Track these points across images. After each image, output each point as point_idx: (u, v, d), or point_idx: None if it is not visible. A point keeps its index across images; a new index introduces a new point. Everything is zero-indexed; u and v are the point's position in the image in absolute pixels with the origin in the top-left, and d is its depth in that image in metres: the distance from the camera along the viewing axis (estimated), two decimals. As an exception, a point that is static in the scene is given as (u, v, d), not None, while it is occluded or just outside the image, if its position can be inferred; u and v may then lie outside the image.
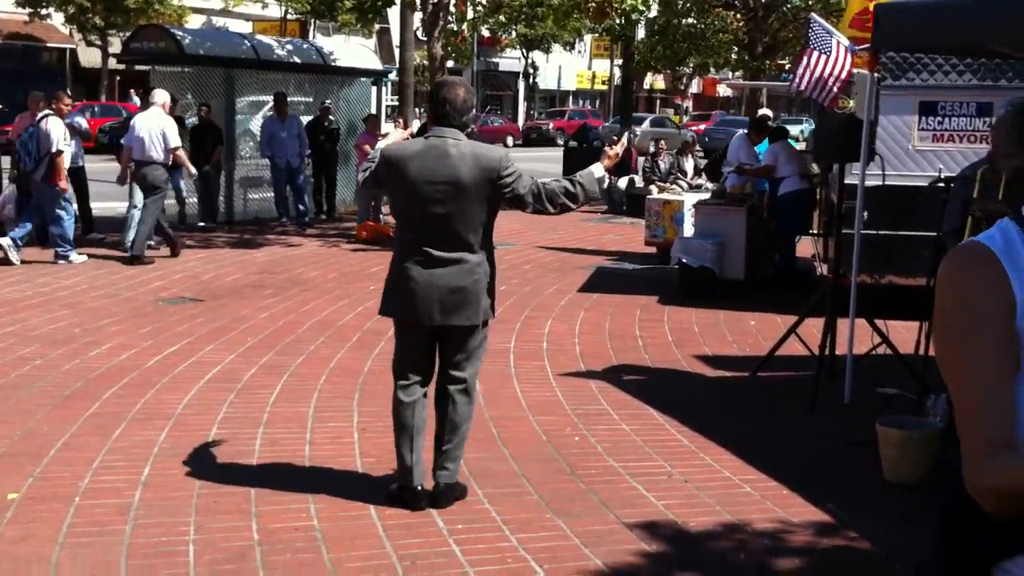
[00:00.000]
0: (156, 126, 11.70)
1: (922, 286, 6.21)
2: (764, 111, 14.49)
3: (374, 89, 18.46)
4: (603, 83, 57.74)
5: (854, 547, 4.49)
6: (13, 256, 11.18)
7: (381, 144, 4.84)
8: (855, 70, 6.82)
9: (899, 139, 8.91)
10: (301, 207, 15.68)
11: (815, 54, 6.61)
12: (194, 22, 36.36)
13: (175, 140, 11.80)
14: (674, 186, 15.70)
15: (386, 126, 18.48)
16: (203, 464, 5.30)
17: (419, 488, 4.74)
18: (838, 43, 6.45)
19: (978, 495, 1.68)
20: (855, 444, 5.72)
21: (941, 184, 6.06)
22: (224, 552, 4.26)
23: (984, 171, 6.01)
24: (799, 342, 7.25)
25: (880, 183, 7.43)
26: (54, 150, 11.22)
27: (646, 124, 39.29)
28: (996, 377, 1.68)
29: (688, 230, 11.36)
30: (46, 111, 11.51)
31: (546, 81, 56.36)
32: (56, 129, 11.30)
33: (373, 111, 17.39)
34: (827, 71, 6.52)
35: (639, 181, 17.50)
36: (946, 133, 8.88)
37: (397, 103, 21.76)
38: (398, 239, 4.77)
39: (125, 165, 12.07)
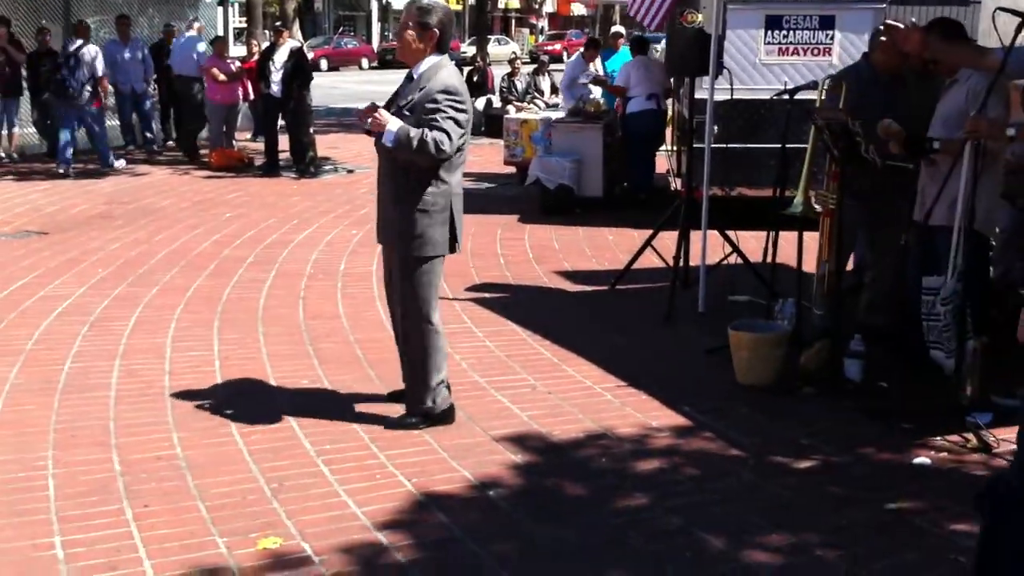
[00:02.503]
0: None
1: (768, 197, 6.41)
2: (617, 28, 14.53)
3: (220, 10, 17.80)
4: (458, 3, 57.02)
5: (710, 447, 4.68)
6: None
7: (393, 122, 4.54)
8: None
9: (746, 53, 9.11)
10: (148, 134, 15.11)
11: None
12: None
13: None
14: (531, 105, 15.72)
15: (234, 48, 17.94)
16: (58, 399, 5.16)
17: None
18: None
19: None
20: (710, 350, 5.93)
21: (785, 97, 6.22)
22: (86, 484, 4.18)
23: (826, 82, 6.22)
24: (655, 255, 7.43)
25: (729, 97, 7.61)
26: None
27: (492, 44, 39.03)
28: None
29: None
30: None
31: (400, 0, 55.38)
32: None
33: (220, 33, 16.81)
34: None
35: (496, 101, 17.46)
36: (791, 46, 9.12)
37: (245, 25, 21.06)
38: (445, 177, 4.66)
39: None
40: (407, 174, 4.63)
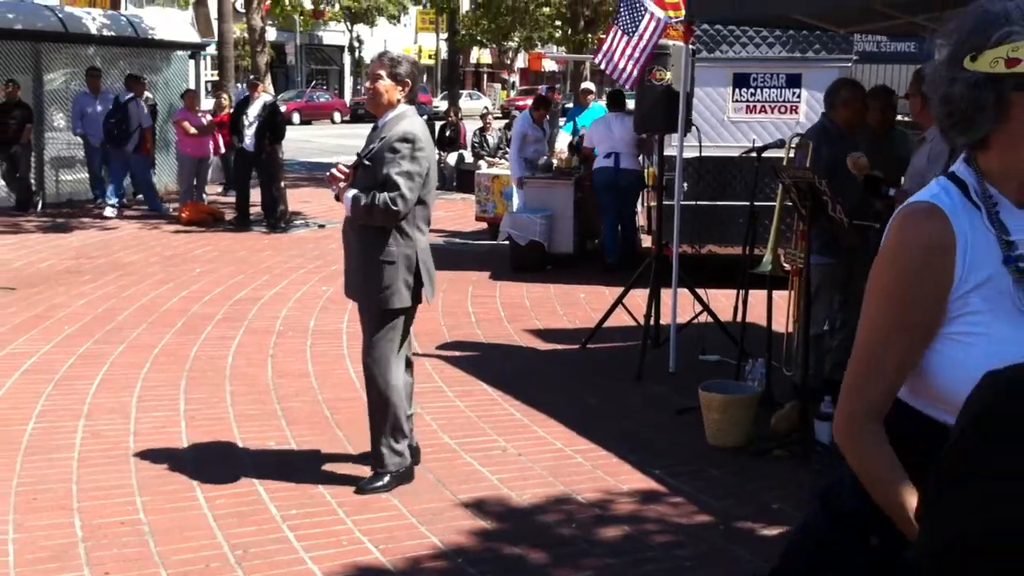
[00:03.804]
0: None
1: (738, 254, 6.45)
2: (586, 84, 14.68)
3: (192, 63, 17.83)
4: (430, 57, 57.50)
5: (680, 511, 4.64)
6: None
7: (348, 190, 4.68)
8: (671, 42, 6.98)
9: (714, 110, 9.21)
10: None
11: (618, 32, 6.76)
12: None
13: None
14: (502, 160, 15.79)
15: (205, 102, 17.94)
16: (20, 460, 5.06)
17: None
18: (651, 18, 6.58)
19: (839, 442, 1.81)
20: (680, 411, 5.92)
21: (753, 154, 6.28)
22: (46, 550, 4.09)
23: (793, 140, 6.29)
24: (626, 313, 7.43)
25: (698, 154, 7.67)
26: None
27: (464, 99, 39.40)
28: (898, 353, 1.77)
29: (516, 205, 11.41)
30: None
31: (370, 56, 55.72)
32: None
33: (192, 86, 16.84)
34: (626, 51, 6.68)
35: (468, 156, 17.54)
36: (758, 104, 9.23)
37: (216, 78, 21.11)
38: (408, 230, 4.69)
39: None
40: (368, 228, 4.68)
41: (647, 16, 6.76)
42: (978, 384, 1.55)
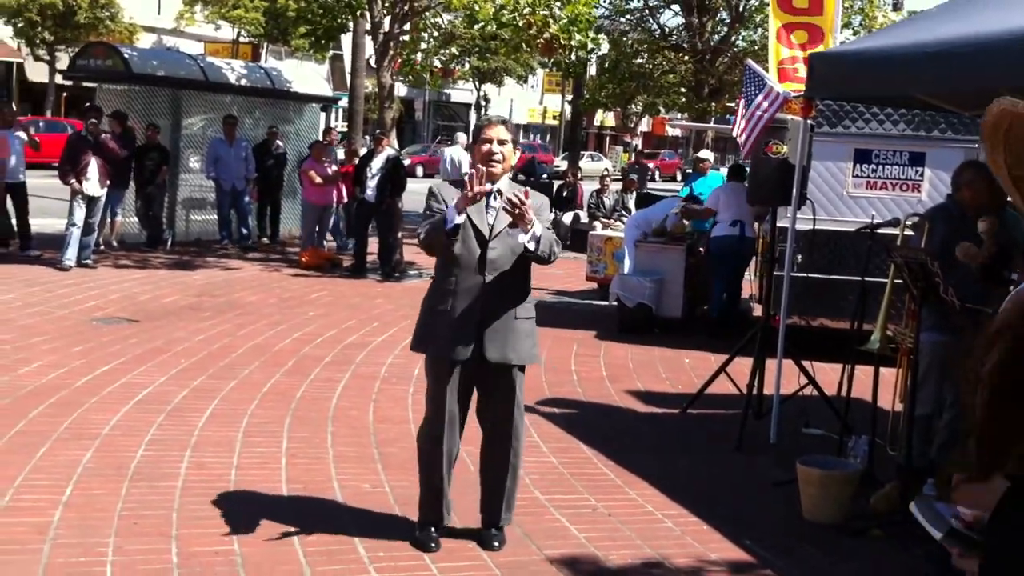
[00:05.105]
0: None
1: (846, 329, 6.35)
2: (704, 152, 14.68)
3: (323, 115, 18.43)
4: (554, 118, 58.17)
5: (769, 584, 4.57)
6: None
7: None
8: (790, 116, 6.98)
9: (833, 184, 9.11)
10: (244, 230, 15.61)
11: (743, 102, 6.80)
12: (145, 41, 36.13)
13: None
14: (618, 222, 15.84)
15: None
16: (126, 486, 5.26)
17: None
18: (770, 90, 6.61)
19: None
20: (778, 483, 5.82)
21: (867, 231, 6.21)
22: (142, 575, 4.24)
23: (908, 219, 6.20)
24: (730, 381, 7.36)
25: (812, 227, 7.60)
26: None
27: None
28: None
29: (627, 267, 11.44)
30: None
31: (497, 114, 56.60)
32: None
33: (321, 138, 17.40)
34: (751, 119, 6.70)
35: (584, 216, 17.66)
36: (879, 180, 9.11)
37: (346, 129, 21.74)
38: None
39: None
40: (516, 284, 4.71)
41: (766, 88, 6.78)
42: None
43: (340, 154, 16.11)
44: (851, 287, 8.23)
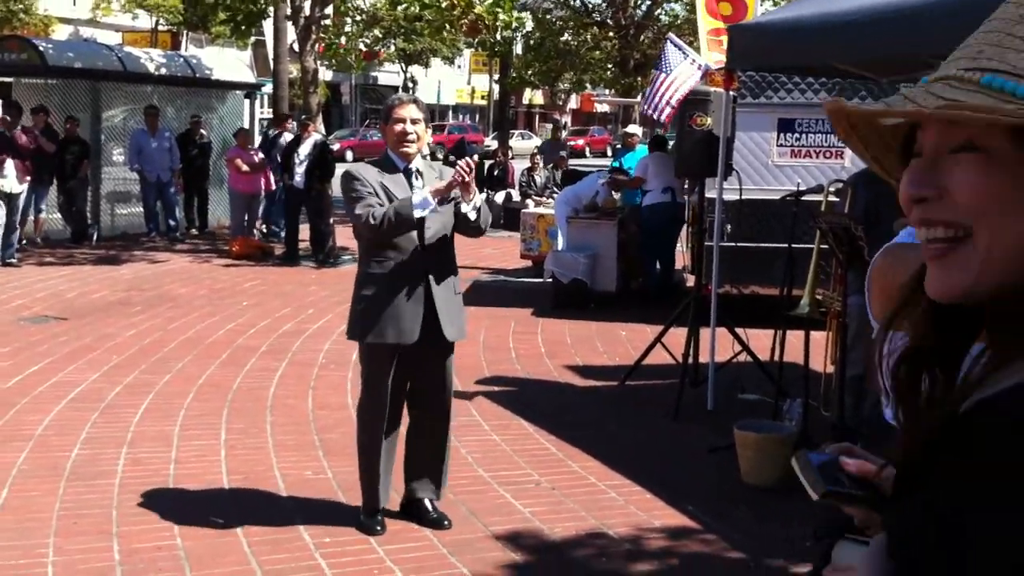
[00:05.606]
0: None
1: (777, 295, 6.46)
2: (632, 127, 14.79)
3: (247, 102, 18.20)
4: (482, 98, 58.01)
5: (711, 549, 4.65)
6: None
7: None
8: (713, 89, 7.06)
9: (759, 154, 9.24)
10: (171, 222, 15.38)
11: (660, 76, 6.88)
12: (61, 32, 35.27)
13: None
14: (550, 200, 15.89)
15: (259, 139, 18.22)
16: (63, 485, 5.18)
17: None
18: (691, 63, 6.68)
19: None
20: (715, 449, 5.92)
21: (792, 199, 6.32)
22: (84, 573, 4.19)
23: (831, 186, 6.31)
24: (666, 351, 7.45)
25: (739, 197, 7.70)
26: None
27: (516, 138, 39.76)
28: None
29: (561, 243, 11.52)
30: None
31: (425, 95, 56.19)
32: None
33: (246, 125, 17.19)
34: (664, 91, 6.79)
35: (516, 195, 17.69)
36: (803, 149, 9.25)
37: (271, 116, 21.49)
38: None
39: None
40: (452, 262, 4.82)
41: (687, 59, 6.85)
42: None
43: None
44: (779, 254, 8.34)
